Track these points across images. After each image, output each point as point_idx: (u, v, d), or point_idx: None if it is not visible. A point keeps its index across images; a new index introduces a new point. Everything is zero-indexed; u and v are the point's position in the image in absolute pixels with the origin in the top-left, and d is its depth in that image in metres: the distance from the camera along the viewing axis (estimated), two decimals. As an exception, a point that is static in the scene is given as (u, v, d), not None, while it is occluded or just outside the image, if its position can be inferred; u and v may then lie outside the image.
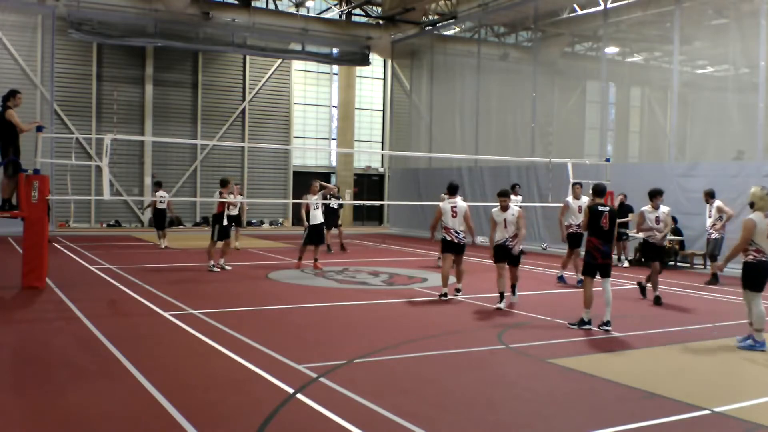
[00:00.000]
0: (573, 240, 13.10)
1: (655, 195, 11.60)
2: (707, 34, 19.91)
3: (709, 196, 14.08)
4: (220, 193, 14.63)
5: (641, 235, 11.94)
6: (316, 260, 14.98)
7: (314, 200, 14.81)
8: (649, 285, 11.73)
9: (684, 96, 19.74)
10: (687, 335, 8.97)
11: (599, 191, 9.47)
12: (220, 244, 14.56)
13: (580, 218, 12.71)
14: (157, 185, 20.62)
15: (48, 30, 24.20)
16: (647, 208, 11.66)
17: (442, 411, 5.67)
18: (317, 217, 14.90)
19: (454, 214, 11.34)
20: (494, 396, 6.20)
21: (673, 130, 18.81)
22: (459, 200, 11.59)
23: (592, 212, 9.18)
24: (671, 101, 19.09)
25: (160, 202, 19.69)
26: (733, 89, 18.13)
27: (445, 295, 11.32)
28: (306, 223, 15.03)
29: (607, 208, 9.25)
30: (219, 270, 14.36)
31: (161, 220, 19.82)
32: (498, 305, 10.49)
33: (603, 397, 6.20)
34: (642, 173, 18.91)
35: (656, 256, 11.59)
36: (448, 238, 11.37)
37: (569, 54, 26.48)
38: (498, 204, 10.81)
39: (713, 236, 13.95)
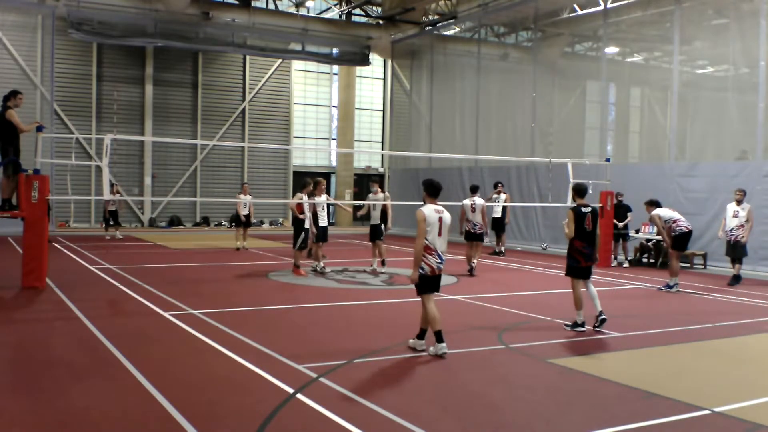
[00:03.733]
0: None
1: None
2: (707, 34, 19.89)
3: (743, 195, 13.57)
4: (311, 195, 14.08)
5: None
6: (321, 262, 14.54)
7: (321, 201, 14.24)
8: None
9: (684, 96, 19.70)
10: (687, 335, 8.97)
11: (582, 191, 9.22)
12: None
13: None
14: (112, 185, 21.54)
15: (48, 30, 24.22)
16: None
17: (442, 411, 5.67)
18: (324, 218, 14.36)
19: (473, 209, 14.66)
20: (494, 396, 6.19)
21: (673, 130, 18.80)
22: (477, 198, 14.81)
23: (577, 214, 8.95)
24: (671, 101, 19.08)
25: (112, 203, 20.67)
26: (733, 89, 18.12)
27: (471, 269, 14.40)
28: (313, 226, 14.07)
29: (589, 209, 9.05)
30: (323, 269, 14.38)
31: (114, 218, 21.55)
32: (428, 349, 7.54)
33: (603, 397, 6.20)
34: (642, 173, 18.93)
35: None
36: (467, 228, 14.73)
37: (569, 54, 26.47)
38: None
39: (742, 240, 13.28)
